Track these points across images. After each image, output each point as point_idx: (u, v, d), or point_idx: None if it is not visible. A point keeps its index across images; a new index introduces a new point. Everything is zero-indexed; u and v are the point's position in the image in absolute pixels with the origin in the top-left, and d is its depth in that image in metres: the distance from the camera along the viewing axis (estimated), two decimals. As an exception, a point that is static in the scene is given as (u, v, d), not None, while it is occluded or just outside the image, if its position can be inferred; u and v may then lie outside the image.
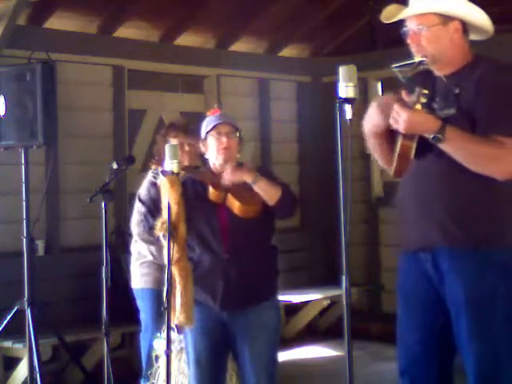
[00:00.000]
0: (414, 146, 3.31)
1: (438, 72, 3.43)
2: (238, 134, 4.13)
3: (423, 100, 3.23)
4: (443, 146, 3.25)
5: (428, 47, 3.36)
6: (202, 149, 4.17)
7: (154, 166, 4.55)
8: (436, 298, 3.39)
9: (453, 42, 3.39)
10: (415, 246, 3.44)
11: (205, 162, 4.29)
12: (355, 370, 2.93)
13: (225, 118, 4.14)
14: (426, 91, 3.23)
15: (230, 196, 3.98)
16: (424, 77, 3.45)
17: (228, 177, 4.00)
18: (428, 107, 3.32)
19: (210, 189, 4.01)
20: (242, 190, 3.98)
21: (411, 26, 3.38)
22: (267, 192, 3.97)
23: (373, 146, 3.56)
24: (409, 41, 3.40)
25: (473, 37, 3.49)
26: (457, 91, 3.32)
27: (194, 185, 4.10)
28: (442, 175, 3.34)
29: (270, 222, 4.13)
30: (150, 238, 4.77)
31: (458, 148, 3.25)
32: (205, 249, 4.04)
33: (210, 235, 4.03)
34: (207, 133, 4.12)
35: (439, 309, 3.39)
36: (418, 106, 3.24)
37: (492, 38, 3.59)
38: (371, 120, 3.43)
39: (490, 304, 3.30)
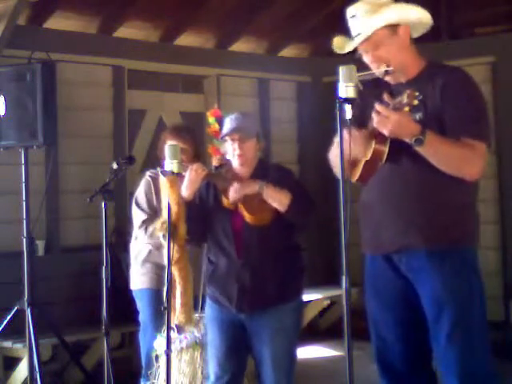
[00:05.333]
0: (387, 150, 3.36)
1: (395, 80, 3.48)
2: (254, 137, 4.11)
3: (415, 102, 3.25)
4: (422, 149, 3.30)
5: (392, 58, 3.41)
6: (223, 150, 4.19)
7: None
8: (410, 295, 3.46)
9: (406, 46, 3.47)
10: (387, 248, 3.48)
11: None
12: (355, 370, 2.94)
13: (236, 125, 4.09)
14: (417, 93, 3.25)
15: (240, 205, 4.00)
16: (375, 86, 3.50)
17: (234, 195, 4.00)
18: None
19: (223, 197, 4.04)
20: (253, 198, 3.99)
21: (367, 48, 3.43)
22: (275, 199, 3.98)
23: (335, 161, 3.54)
24: (370, 60, 3.45)
25: (414, 35, 3.55)
26: (420, 97, 3.32)
27: (215, 187, 4.13)
28: (417, 178, 3.40)
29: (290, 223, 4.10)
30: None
31: (435, 150, 3.32)
32: (220, 252, 4.08)
33: (225, 239, 4.06)
34: (222, 137, 4.14)
35: (413, 307, 3.46)
36: (407, 108, 3.26)
37: (499, 37, 3.65)
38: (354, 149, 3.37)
39: (469, 302, 3.38)
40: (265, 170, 4.13)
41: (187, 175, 4.02)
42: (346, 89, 2.94)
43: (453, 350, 3.35)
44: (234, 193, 4.00)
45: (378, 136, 3.35)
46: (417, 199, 3.41)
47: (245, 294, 4.01)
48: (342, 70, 2.96)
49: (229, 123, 4.12)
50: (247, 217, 4.00)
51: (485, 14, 8.04)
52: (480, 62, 7.74)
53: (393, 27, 3.42)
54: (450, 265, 3.38)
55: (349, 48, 3.45)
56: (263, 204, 3.99)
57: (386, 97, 3.36)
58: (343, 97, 2.94)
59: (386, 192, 3.47)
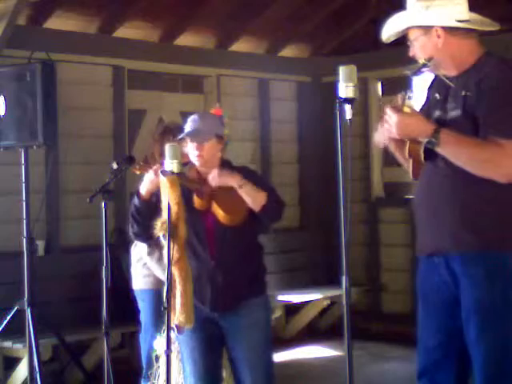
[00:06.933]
0: (422, 148, 3.31)
1: (447, 74, 3.41)
2: (212, 138, 4.10)
3: (409, 103, 3.23)
4: (440, 150, 3.24)
5: (420, 55, 3.38)
6: (186, 150, 4.17)
7: (138, 172, 4.18)
8: (453, 300, 3.37)
9: (439, 47, 3.36)
10: (429, 250, 3.43)
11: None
12: (355, 370, 2.94)
13: (194, 128, 4.10)
14: (410, 93, 3.24)
15: (214, 204, 4.00)
16: (440, 79, 3.46)
17: (213, 181, 4.00)
18: (442, 109, 3.35)
19: (195, 197, 4.03)
20: (227, 197, 3.99)
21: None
22: (252, 197, 3.98)
23: (394, 151, 3.56)
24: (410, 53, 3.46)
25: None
26: (463, 92, 3.30)
27: (183, 189, 4.11)
28: (451, 179, 3.31)
29: (258, 221, 4.11)
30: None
31: (454, 152, 3.24)
32: (192, 254, 4.06)
33: (196, 241, 4.06)
34: (180, 139, 4.13)
35: (457, 312, 3.36)
36: (407, 109, 3.25)
37: (499, 37, 3.60)
38: (389, 133, 3.41)
39: (499, 308, 3.27)
40: (230, 170, 4.12)
41: (146, 175, 4.03)
42: (345, 89, 2.94)
43: (478, 356, 3.28)
44: (213, 178, 3.99)
45: None
46: (449, 200, 3.31)
47: (218, 295, 4.02)
48: (342, 70, 2.96)
49: (188, 125, 4.13)
50: (221, 216, 3.99)
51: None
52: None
53: (425, 29, 3.35)
54: (484, 270, 3.25)
55: (390, 37, 3.46)
56: (237, 204, 3.99)
57: (398, 97, 3.32)
58: (343, 97, 2.94)
59: (426, 192, 3.41)
